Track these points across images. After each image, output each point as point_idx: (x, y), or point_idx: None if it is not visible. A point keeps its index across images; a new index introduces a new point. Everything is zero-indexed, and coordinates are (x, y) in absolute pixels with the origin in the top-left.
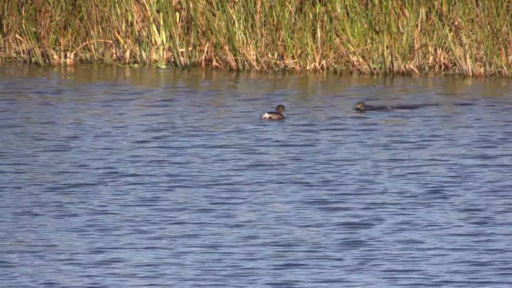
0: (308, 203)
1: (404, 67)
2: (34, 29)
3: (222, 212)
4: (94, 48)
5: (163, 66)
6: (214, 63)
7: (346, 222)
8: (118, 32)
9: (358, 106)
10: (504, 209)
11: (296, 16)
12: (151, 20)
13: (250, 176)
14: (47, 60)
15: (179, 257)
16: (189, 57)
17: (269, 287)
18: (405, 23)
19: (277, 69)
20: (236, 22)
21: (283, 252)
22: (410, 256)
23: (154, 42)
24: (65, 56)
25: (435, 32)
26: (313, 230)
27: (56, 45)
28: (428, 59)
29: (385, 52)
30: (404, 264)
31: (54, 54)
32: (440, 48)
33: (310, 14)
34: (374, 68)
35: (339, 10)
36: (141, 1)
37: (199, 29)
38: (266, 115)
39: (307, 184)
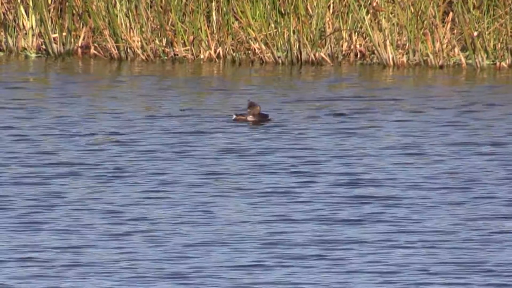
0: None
1: (314, 55)
2: None
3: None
4: None
5: (33, 55)
6: (93, 50)
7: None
8: None
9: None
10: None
11: None
12: (19, 1)
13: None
14: None
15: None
16: (63, 44)
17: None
18: (315, 4)
19: (165, 58)
20: (117, 3)
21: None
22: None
23: (22, 27)
24: None
25: (350, 15)
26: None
27: None
28: (342, 46)
29: (291, 38)
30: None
31: None
32: (356, 34)
33: None
34: (279, 57)
35: None
36: None
37: (74, 12)
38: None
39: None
